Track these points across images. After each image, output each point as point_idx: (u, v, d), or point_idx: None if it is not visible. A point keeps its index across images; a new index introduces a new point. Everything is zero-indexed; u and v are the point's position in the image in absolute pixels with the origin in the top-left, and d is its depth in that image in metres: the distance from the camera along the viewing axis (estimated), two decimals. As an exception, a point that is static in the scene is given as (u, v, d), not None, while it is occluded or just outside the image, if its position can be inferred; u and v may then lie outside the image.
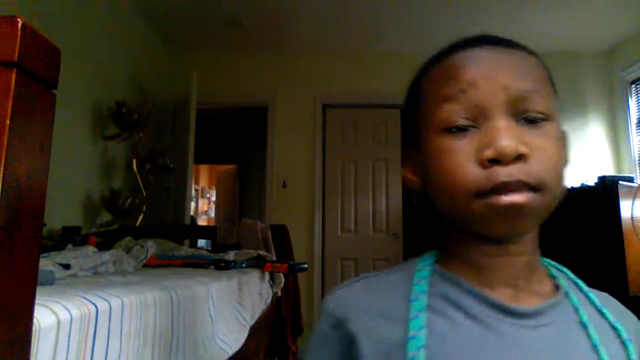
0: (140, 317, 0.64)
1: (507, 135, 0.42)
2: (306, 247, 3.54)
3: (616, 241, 2.68)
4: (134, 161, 2.77)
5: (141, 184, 2.77)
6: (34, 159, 0.38)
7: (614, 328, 0.49)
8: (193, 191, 6.63)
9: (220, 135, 5.65)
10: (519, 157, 0.42)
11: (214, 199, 7.96)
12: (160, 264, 1.41)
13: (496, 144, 0.42)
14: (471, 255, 0.48)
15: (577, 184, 3.21)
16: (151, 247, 1.49)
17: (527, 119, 0.45)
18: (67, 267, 0.95)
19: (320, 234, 3.66)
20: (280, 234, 2.08)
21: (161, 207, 3.43)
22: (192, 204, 6.38)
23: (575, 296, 0.52)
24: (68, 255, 1.06)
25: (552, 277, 0.53)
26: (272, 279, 1.73)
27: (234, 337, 1.11)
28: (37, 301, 0.40)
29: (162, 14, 3.28)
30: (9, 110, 0.35)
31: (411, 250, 3.64)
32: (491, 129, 0.44)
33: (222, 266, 1.36)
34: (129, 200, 2.56)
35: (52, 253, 1.07)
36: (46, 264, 0.90)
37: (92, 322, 0.52)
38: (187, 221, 3.45)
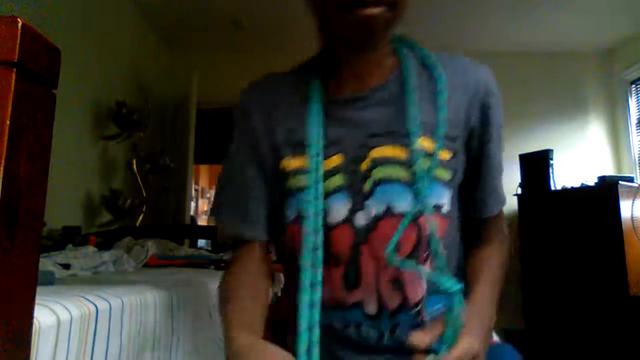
0: (140, 317, 0.64)
1: None
2: (306, 247, 3.55)
3: (616, 241, 2.68)
4: (134, 161, 2.77)
5: (141, 184, 2.77)
6: (34, 159, 0.38)
7: (437, 82, 0.62)
8: (193, 191, 6.63)
9: (220, 135, 5.64)
10: None
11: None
12: (160, 264, 1.41)
13: None
14: (336, 60, 0.64)
15: (577, 184, 3.21)
16: (151, 247, 1.49)
17: None
18: (67, 267, 0.95)
19: (320, 234, 3.65)
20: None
21: (161, 207, 3.43)
22: (192, 204, 6.38)
23: (412, 68, 0.64)
24: (68, 255, 1.06)
25: (399, 58, 0.66)
26: (272, 279, 1.73)
27: (234, 337, 1.11)
28: (37, 301, 0.40)
29: (162, 14, 3.28)
30: (9, 110, 0.35)
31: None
32: None
33: (222, 266, 1.36)
34: (129, 200, 2.56)
35: (52, 253, 1.07)
36: (46, 264, 0.90)
37: (92, 322, 0.52)
38: (187, 221, 3.45)
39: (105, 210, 2.54)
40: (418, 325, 0.59)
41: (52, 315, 0.45)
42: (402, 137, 0.59)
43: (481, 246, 0.71)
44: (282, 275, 1.79)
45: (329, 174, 0.60)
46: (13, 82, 0.35)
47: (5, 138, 0.34)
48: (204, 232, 3.29)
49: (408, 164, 0.58)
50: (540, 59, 3.82)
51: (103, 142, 2.62)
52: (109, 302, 0.56)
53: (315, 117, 0.62)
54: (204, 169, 8.19)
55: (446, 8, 3.14)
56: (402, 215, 0.57)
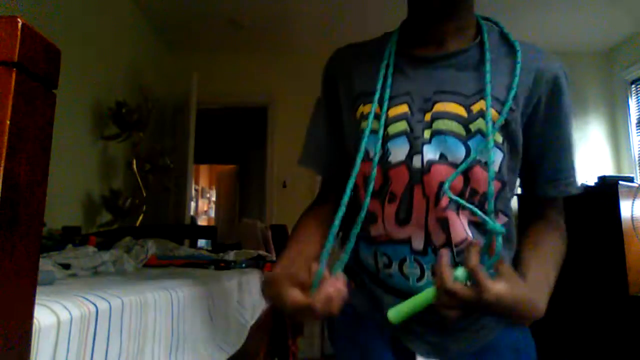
0: (140, 317, 0.64)
1: None
2: (306, 247, 3.54)
3: (616, 241, 2.68)
4: (134, 161, 2.77)
5: (141, 184, 2.77)
6: (34, 159, 0.38)
7: (514, 63, 0.68)
8: (193, 191, 6.63)
9: (220, 135, 5.64)
10: None
11: (214, 199, 7.96)
12: (160, 264, 1.41)
13: None
14: (417, 23, 0.73)
15: (577, 184, 3.21)
16: (151, 247, 1.49)
17: None
18: (67, 267, 0.95)
19: (320, 234, 3.65)
20: (280, 234, 2.09)
21: (161, 207, 3.43)
22: (192, 204, 6.38)
23: (492, 40, 0.72)
24: (68, 255, 1.06)
25: (481, 30, 0.74)
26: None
27: (234, 337, 1.11)
28: (37, 301, 0.40)
29: (162, 14, 3.28)
30: (9, 110, 0.35)
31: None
32: None
33: (222, 266, 1.36)
34: (129, 200, 2.56)
35: (52, 253, 1.07)
36: (46, 264, 0.90)
37: (92, 322, 0.52)
38: (187, 221, 3.45)
39: (105, 210, 2.54)
40: (458, 264, 0.61)
41: (52, 315, 0.45)
42: (466, 97, 0.66)
43: (544, 229, 0.75)
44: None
45: (394, 120, 0.68)
46: (13, 82, 0.35)
47: (5, 138, 0.34)
48: (204, 232, 3.29)
49: (466, 122, 0.65)
50: (540, 59, 3.82)
51: (103, 142, 2.62)
52: (109, 302, 0.56)
53: (385, 70, 0.71)
54: (204, 169, 8.19)
55: (446, 8, 3.14)
56: (454, 164, 0.64)
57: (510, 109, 0.65)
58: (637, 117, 3.57)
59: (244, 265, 1.45)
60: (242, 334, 1.17)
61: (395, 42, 0.74)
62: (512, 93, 0.65)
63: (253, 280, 1.45)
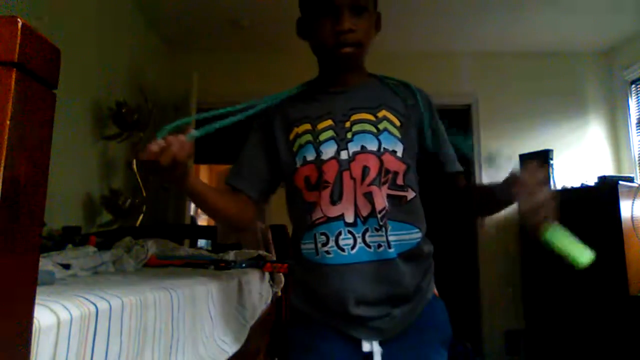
0: (140, 317, 0.64)
1: (347, 20, 0.90)
2: (306, 247, 3.54)
3: (616, 241, 2.68)
4: (134, 161, 2.77)
5: (141, 184, 2.77)
6: (34, 159, 0.38)
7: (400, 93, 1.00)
8: (193, 191, 6.60)
9: (220, 135, 5.63)
10: (352, 30, 0.90)
11: (214, 199, 7.94)
12: (160, 264, 1.41)
13: (342, 25, 0.90)
14: (329, 74, 1.02)
15: (577, 184, 3.21)
16: (151, 247, 1.49)
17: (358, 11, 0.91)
18: (67, 267, 0.95)
19: (320, 234, 3.65)
20: (280, 234, 2.08)
21: (161, 207, 3.43)
22: (192, 204, 6.37)
23: (377, 80, 1.04)
24: (68, 255, 1.06)
25: (377, 78, 1.04)
26: (272, 279, 1.73)
27: (234, 337, 1.11)
28: (37, 301, 0.40)
29: (162, 14, 3.28)
30: (9, 110, 0.35)
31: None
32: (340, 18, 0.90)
33: (222, 266, 1.36)
34: (129, 200, 2.56)
35: (52, 253, 1.07)
36: (46, 264, 0.90)
37: (92, 322, 0.52)
38: (187, 221, 3.45)
39: (105, 210, 2.54)
40: (381, 227, 0.87)
41: (52, 315, 0.45)
42: (372, 108, 0.95)
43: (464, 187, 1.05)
44: (282, 276, 1.79)
45: (322, 130, 0.93)
46: (13, 82, 0.35)
47: (5, 138, 0.34)
48: (204, 232, 3.29)
49: (375, 123, 0.93)
50: (540, 59, 3.82)
51: (103, 142, 2.62)
52: (109, 302, 0.56)
53: (315, 101, 0.99)
54: (204, 169, 8.19)
55: (446, 8, 3.14)
56: (371, 152, 0.90)
57: (401, 114, 0.96)
58: (637, 117, 3.57)
59: (244, 265, 1.45)
60: (242, 334, 1.17)
61: (310, 85, 1.05)
62: (396, 104, 0.97)
63: (253, 280, 1.45)
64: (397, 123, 0.93)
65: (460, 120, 3.85)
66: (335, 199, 0.88)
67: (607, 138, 3.78)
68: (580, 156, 3.74)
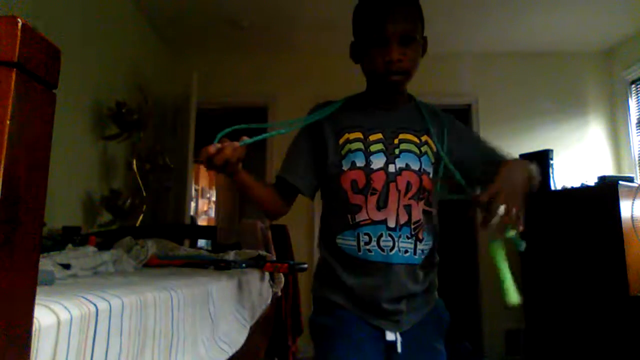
0: (140, 317, 0.64)
1: (395, 51, 0.98)
2: (306, 247, 3.54)
3: (616, 241, 2.68)
4: (134, 161, 2.77)
5: (141, 184, 2.77)
6: (34, 159, 0.38)
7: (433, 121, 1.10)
8: (193, 191, 6.63)
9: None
10: (400, 60, 0.98)
11: (214, 199, 7.96)
12: (160, 264, 1.41)
13: (391, 55, 0.98)
14: (378, 94, 1.09)
15: (577, 184, 3.21)
16: (151, 247, 1.49)
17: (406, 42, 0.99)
18: (67, 267, 0.94)
19: (320, 234, 3.65)
20: (280, 234, 2.08)
21: (161, 207, 3.43)
22: (192, 204, 6.38)
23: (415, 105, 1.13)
24: (68, 255, 1.06)
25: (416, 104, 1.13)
26: (272, 279, 1.73)
27: (234, 337, 1.11)
28: (37, 301, 0.40)
29: (162, 14, 3.28)
30: (9, 110, 0.35)
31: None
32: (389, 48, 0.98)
33: (222, 266, 1.36)
34: (129, 200, 2.56)
35: (52, 253, 1.07)
36: (46, 264, 0.90)
37: (92, 322, 0.52)
38: (187, 221, 3.45)
39: (105, 210, 2.54)
40: (412, 236, 1.00)
41: (52, 315, 0.45)
42: (416, 131, 1.06)
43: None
44: (282, 276, 1.79)
45: (373, 142, 1.03)
46: (13, 82, 0.35)
47: (5, 138, 0.34)
48: (204, 232, 3.29)
49: (418, 146, 1.04)
50: (540, 59, 3.82)
51: (103, 142, 2.62)
52: (109, 302, 0.56)
53: (367, 113, 1.08)
54: (204, 169, 8.19)
55: (446, 8, 3.14)
56: (413, 171, 1.01)
57: (437, 140, 1.07)
58: (637, 117, 3.57)
59: (244, 265, 1.45)
60: (242, 334, 1.17)
61: (358, 98, 1.12)
62: (435, 132, 1.08)
63: (253, 280, 1.45)
64: (434, 149, 1.05)
65: (460, 120, 3.84)
66: (381, 205, 0.99)
67: (607, 138, 3.78)
68: (580, 156, 3.74)
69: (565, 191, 3.19)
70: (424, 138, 1.05)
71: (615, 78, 3.75)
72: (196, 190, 7.79)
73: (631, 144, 3.60)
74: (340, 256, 1.02)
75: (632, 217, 2.72)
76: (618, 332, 2.64)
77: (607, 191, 2.81)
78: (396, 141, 1.03)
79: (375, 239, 0.99)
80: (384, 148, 1.02)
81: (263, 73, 3.84)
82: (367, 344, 0.99)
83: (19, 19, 0.36)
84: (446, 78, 3.77)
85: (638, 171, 3.51)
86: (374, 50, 1.00)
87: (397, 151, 1.02)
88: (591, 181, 3.13)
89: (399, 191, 1.00)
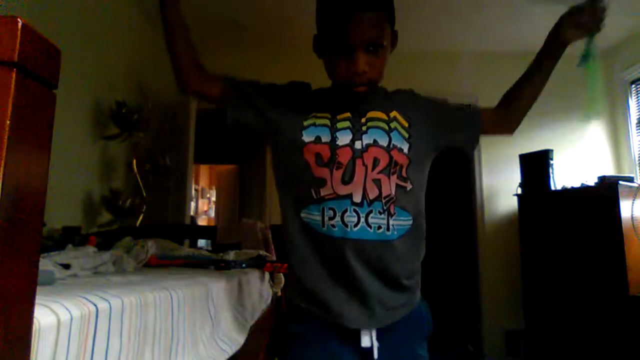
0: (140, 317, 0.64)
1: (361, 61, 0.95)
2: (306, 247, 3.53)
3: (616, 241, 2.68)
4: (134, 161, 2.77)
5: (141, 184, 2.77)
6: (34, 159, 0.38)
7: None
8: (193, 191, 6.62)
9: (220, 135, 5.63)
10: (365, 72, 0.95)
11: (214, 199, 7.96)
12: (160, 264, 1.41)
13: (356, 67, 0.95)
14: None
15: (577, 184, 3.21)
16: (151, 247, 1.49)
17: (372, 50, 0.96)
18: (67, 267, 0.94)
19: (320, 234, 3.65)
20: (281, 234, 2.08)
21: (161, 207, 3.43)
22: (192, 204, 6.38)
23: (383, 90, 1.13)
24: (68, 255, 1.06)
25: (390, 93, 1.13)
26: (272, 279, 1.73)
27: (234, 337, 1.11)
28: (37, 301, 0.40)
29: (162, 14, 3.27)
30: (9, 110, 0.35)
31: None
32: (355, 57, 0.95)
33: (222, 266, 1.36)
34: (129, 200, 2.55)
35: (52, 253, 1.06)
36: (46, 264, 0.90)
37: (92, 322, 0.52)
38: (187, 221, 3.45)
39: (105, 210, 2.54)
40: (384, 211, 0.96)
41: (52, 315, 0.45)
42: (384, 107, 1.05)
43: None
44: (282, 276, 1.79)
45: (340, 120, 1.01)
46: (13, 82, 0.35)
47: (5, 138, 0.34)
48: (204, 232, 3.29)
49: (387, 122, 1.02)
50: (540, 59, 3.81)
51: (103, 142, 2.62)
52: (109, 302, 0.56)
53: (336, 98, 1.06)
54: (204, 169, 8.19)
55: (446, 8, 3.15)
56: (381, 147, 0.99)
57: (409, 117, 1.05)
58: (637, 117, 3.57)
59: (244, 265, 1.45)
60: (242, 334, 1.17)
61: (334, 88, 1.09)
62: (405, 108, 1.07)
63: (253, 280, 1.45)
64: (405, 124, 1.03)
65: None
66: (346, 180, 0.96)
67: (607, 138, 3.78)
68: (580, 156, 3.73)
69: (565, 191, 3.19)
70: (392, 114, 1.03)
71: (615, 78, 3.74)
72: (196, 190, 7.79)
73: (631, 144, 3.60)
74: (307, 230, 0.99)
75: (632, 217, 2.72)
76: (618, 332, 2.64)
77: (607, 191, 2.82)
78: (364, 119, 1.01)
79: (340, 214, 0.95)
80: (350, 125, 1.00)
81: (263, 73, 3.83)
82: (341, 354, 0.95)
83: (19, 19, 0.36)
84: (446, 78, 3.77)
85: (638, 171, 3.51)
86: (338, 57, 0.95)
87: (364, 128, 1.00)
88: (591, 181, 3.13)
89: (366, 166, 0.97)
